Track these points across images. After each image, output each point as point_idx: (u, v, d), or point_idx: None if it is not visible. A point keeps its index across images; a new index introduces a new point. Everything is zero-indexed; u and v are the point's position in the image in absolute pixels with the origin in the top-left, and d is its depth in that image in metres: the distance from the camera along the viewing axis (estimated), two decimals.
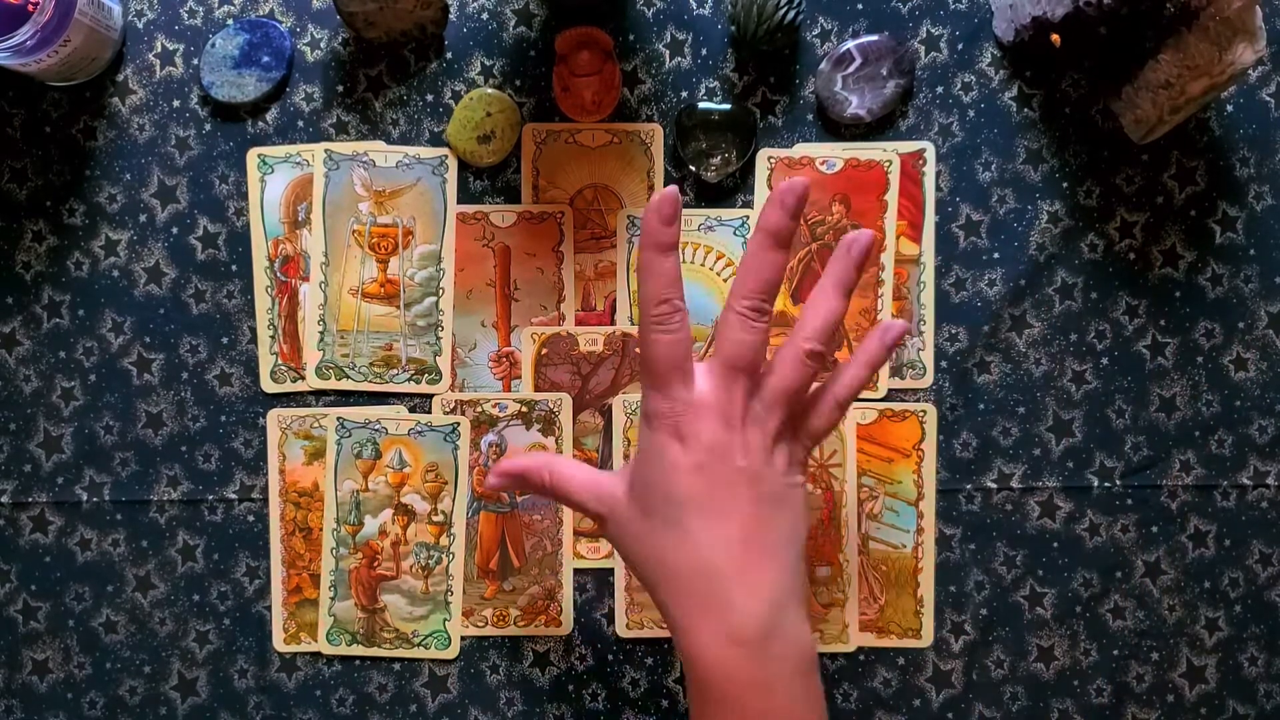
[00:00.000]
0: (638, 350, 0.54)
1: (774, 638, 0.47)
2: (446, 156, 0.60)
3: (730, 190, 0.61)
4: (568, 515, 0.61)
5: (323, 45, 0.60)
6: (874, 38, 0.60)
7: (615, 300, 0.61)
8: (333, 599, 0.60)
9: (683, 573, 0.48)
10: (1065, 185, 0.60)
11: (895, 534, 0.61)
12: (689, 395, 0.49)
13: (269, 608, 0.61)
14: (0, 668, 0.61)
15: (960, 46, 0.60)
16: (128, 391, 0.61)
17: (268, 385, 0.60)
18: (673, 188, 0.48)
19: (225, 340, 0.61)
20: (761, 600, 0.47)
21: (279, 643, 0.61)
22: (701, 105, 0.60)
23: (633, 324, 0.61)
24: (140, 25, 0.60)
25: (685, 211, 0.60)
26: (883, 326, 0.53)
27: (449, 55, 0.60)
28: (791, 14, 0.58)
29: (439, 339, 0.61)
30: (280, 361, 0.61)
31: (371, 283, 0.61)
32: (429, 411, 0.61)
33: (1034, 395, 0.61)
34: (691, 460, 0.48)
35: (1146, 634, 0.61)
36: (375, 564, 0.60)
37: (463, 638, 0.61)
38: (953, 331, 0.60)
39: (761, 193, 0.60)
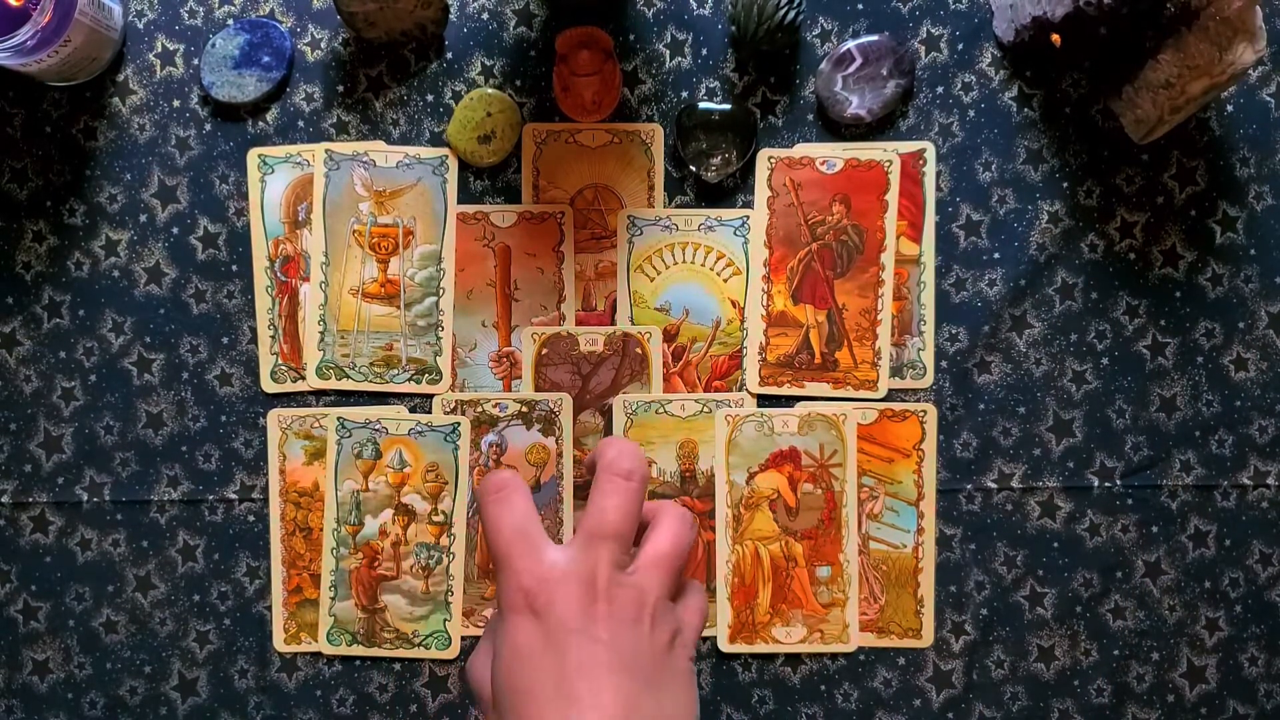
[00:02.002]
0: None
1: None
2: (447, 156, 0.60)
3: (730, 190, 0.61)
4: (568, 516, 0.61)
5: (323, 45, 0.60)
6: (874, 38, 0.60)
7: (615, 300, 0.61)
8: (333, 599, 0.60)
9: None
10: (1065, 185, 0.60)
11: (895, 534, 0.61)
12: (538, 566, 0.43)
13: (269, 608, 0.61)
14: (0, 668, 0.61)
15: (960, 46, 0.60)
16: (128, 391, 0.61)
17: (268, 385, 0.60)
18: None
19: (225, 340, 0.61)
20: None
21: (279, 643, 0.61)
22: (702, 105, 0.60)
23: (633, 324, 0.61)
24: (140, 25, 0.60)
25: (686, 211, 0.60)
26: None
27: (449, 55, 0.60)
28: (792, 14, 0.58)
29: (439, 339, 0.61)
30: (280, 361, 0.61)
31: (372, 283, 0.61)
32: (429, 411, 0.61)
33: (1034, 395, 0.61)
34: (540, 640, 0.42)
35: (1147, 634, 0.61)
36: (376, 564, 0.60)
37: (463, 638, 0.61)
38: (953, 331, 0.60)
39: (762, 193, 0.60)
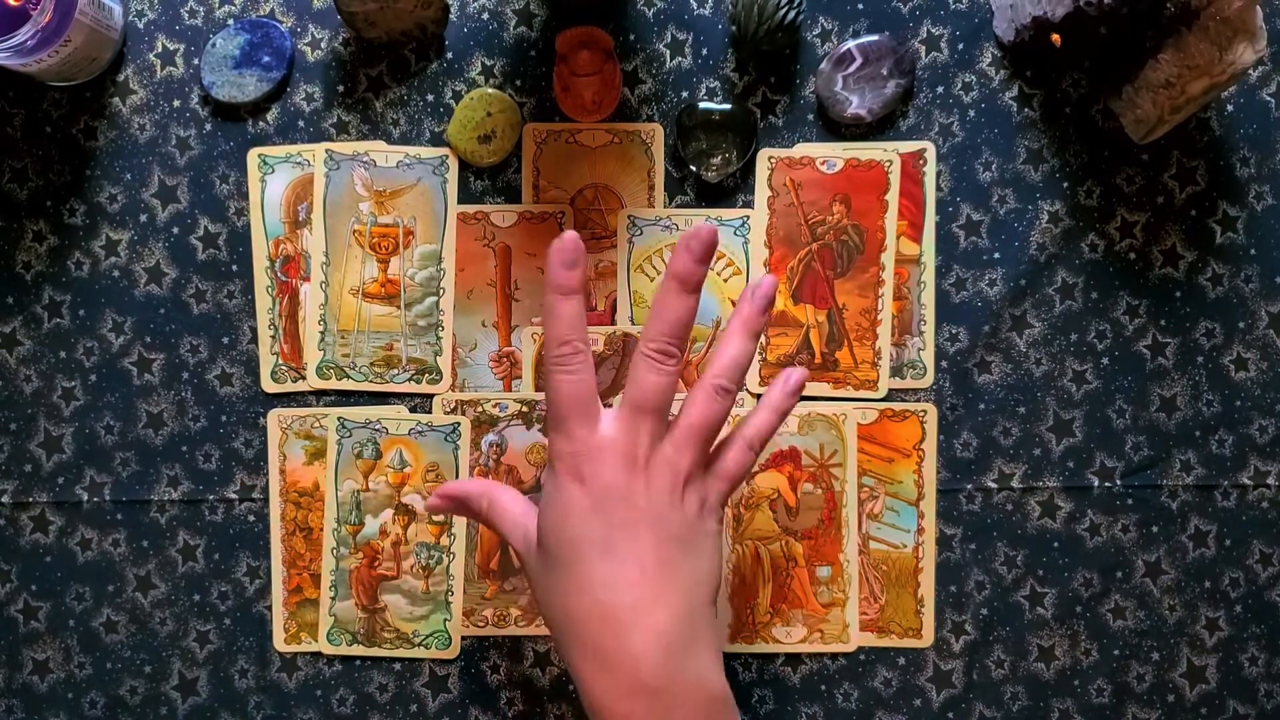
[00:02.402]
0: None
1: (676, 685, 0.46)
2: (447, 156, 0.60)
3: (730, 190, 0.61)
4: None
5: (323, 45, 0.60)
6: (874, 38, 0.60)
7: (615, 300, 0.61)
8: (333, 599, 0.60)
9: (581, 619, 0.47)
10: (1065, 185, 0.60)
11: (896, 534, 0.61)
12: (591, 436, 0.48)
13: (269, 608, 0.61)
14: (0, 668, 0.61)
15: (960, 46, 0.60)
16: (128, 391, 0.61)
17: (268, 385, 0.60)
18: (572, 232, 0.49)
19: (226, 340, 0.61)
20: (661, 648, 0.46)
21: (279, 643, 0.61)
22: (702, 105, 0.60)
23: (634, 324, 0.61)
24: (141, 25, 0.60)
25: (686, 211, 0.60)
26: (784, 374, 0.53)
27: (449, 55, 0.60)
28: (792, 14, 0.58)
29: (439, 339, 0.61)
30: (281, 361, 0.61)
31: (372, 283, 0.61)
32: (429, 411, 0.61)
33: (1034, 395, 0.61)
34: (589, 501, 0.48)
35: (1147, 634, 0.61)
36: (376, 564, 0.60)
37: (463, 638, 0.61)
38: (953, 331, 0.60)
39: (762, 192, 0.60)
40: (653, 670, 0.46)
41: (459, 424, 0.60)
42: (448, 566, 0.61)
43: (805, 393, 0.60)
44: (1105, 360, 0.61)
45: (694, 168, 0.60)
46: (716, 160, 0.60)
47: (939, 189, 0.60)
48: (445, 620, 0.60)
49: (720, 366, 0.50)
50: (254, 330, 0.61)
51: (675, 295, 0.49)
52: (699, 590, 0.48)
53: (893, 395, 0.61)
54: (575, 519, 0.48)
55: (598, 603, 0.47)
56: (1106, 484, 0.61)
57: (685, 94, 0.60)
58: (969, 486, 0.61)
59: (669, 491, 0.48)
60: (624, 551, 0.47)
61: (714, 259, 0.60)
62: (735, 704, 0.49)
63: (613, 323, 0.61)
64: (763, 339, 0.60)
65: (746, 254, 0.60)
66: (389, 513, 0.61)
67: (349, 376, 0.61)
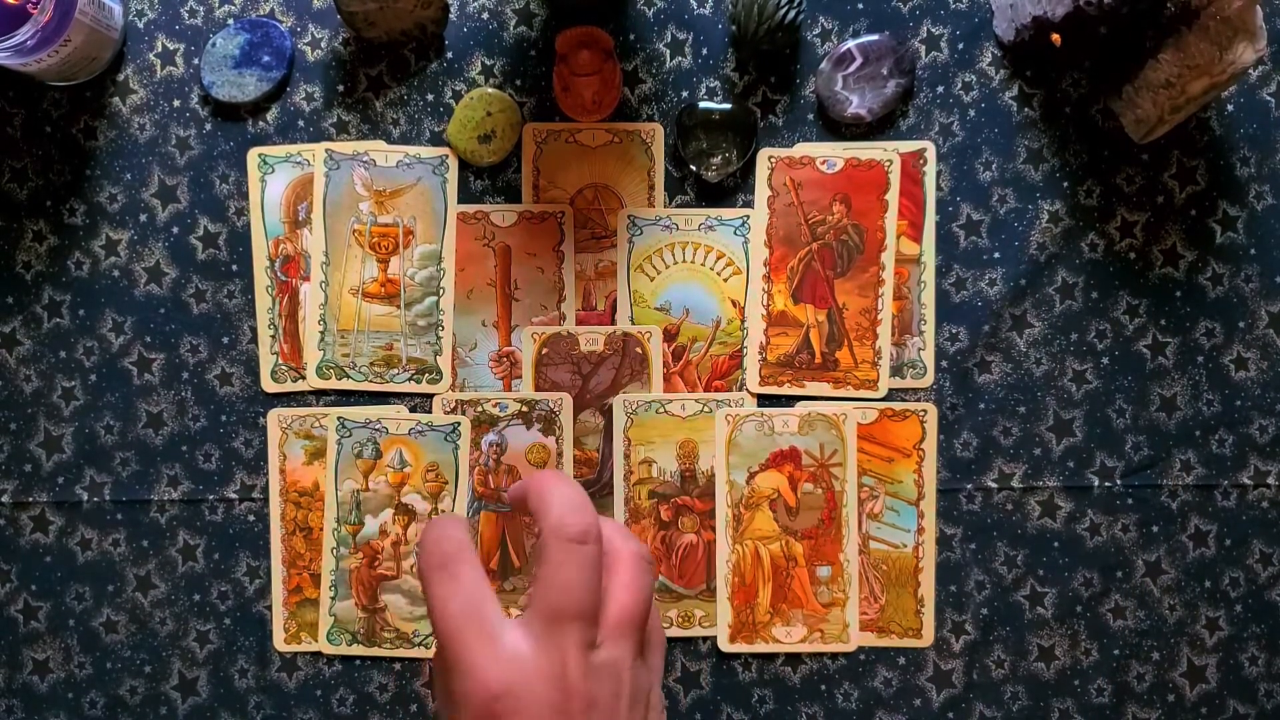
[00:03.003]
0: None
1: None
2: (447, 156, 0.60)
3: (730, 190, 0.61)
4: None
5: (323, 45, 0.60)
6: (874, 37, 0.60)
7: (615, 300, 0.61)
8: (333, 599, 0.60)
9: None
10: (1066, 185, 0.60)
11: (896, 534, 0.61)
12: (498, 664, 0.37)
13: (269, 607, 0.61)
14: (0, 667, 0.61)
15: (960, 46, 0.60)
16: (128, 391, 0.60)
17: (268, 385, 0.60)
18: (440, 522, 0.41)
19: (226, 340, 0.61)
20: None
21: (279, 642, 0.61)
22: (702, 105, 0.60)
23: (634, 324, 0.61)
24: (140, 25, 0.60)
25: (686, 211, 0.60)
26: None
27: (449, 55, 0.60)
28: (792, 14, 0.58)
29: (439, 339, 0.61)
30: (281, 361, 0.61)
31: (372, 282, 0.61)
32: (429, 411, 0.61)
33: (1034, 395, 0.61)
34: None
35: (1147, 634, 0.61)
36: (376, 564, 0.60)
37: None
38: (953, 331, 0.60)
39: (762, 192, 0.60)
40: None
41: (459, 424, 0.60)
42: None
43: (806, 392, 0.61)
44: (1105, 360, 0.61)
45: (694, 167, 0.60)
46: (716, 160, 0.60)
47: (939, 189, 0.60)
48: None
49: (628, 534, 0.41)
50: (254, 330, 0.60)
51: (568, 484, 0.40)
52: None
53: (893, 395, 0.61)
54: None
55: None
56: (1106, 484, 0.61)
57: (685, 94, 0.60)
58: (969, 486, 0.61)
59: (609, 714, 0.37)
60: None
61: (715, 259, 0.60)
62: None
63: (613, 322, 0.61)
64: (763, 339, 0.60)
65: (746, 254, 0.60)
66: (389, 512, 0.61)
67: (349, 376, 0.61)
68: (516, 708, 0.36)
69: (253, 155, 0.60)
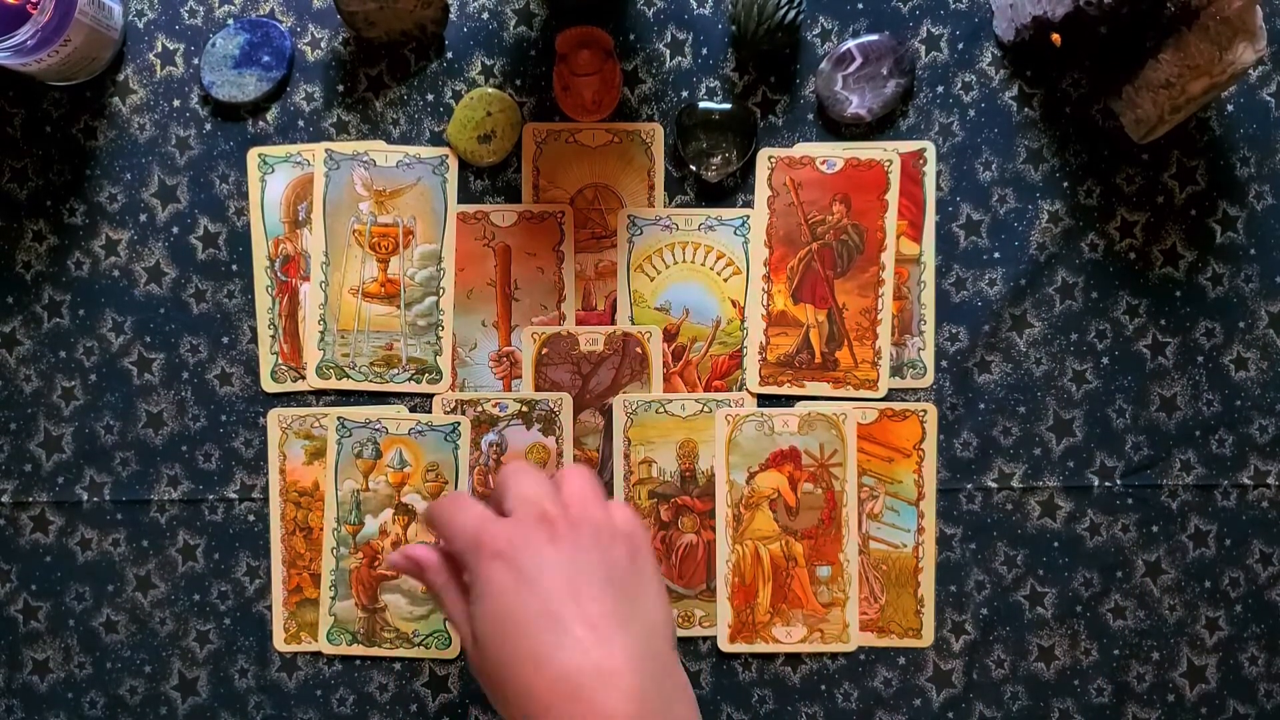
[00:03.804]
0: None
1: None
2: (447, 156, 0.60)
3: (730, 190, 0.61)
4: None
5: (323, 45, 0.60)
6: (874, 37, 0.60)
7: (615, 300, 0.61)
8: (333, 599, 0.60)
9: (545, 701, 0.44)
10: (1065, 185, 0.60)
11: (896, 534, 0.61)
12: (497, 524, 0.46)
13: (269, 607, 0.61)
14: (0, 667, 0.61)
15: (960, 46, 0.60)
16: (128, 391, 0.60)
17: (268, 385, 0.60)
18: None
19: (225, 340, 0.61)
20: (635, 704, 0.43)
21: (279, 642, 0.61)
22: (702, 105, 0.60)
23: (633, 324, 0.61)
24: (140, 25, 0.60)
25: (686, 211, 0.60)
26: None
27: (449, 55, 0.60)
28: (792, 14, 0.58)
29: (439, 338, 0.61)
30: (281, 361, 0.61)
31: (372, 282, 0.61)
32: (429, 411, 0.61)
33: (1034, 395, 0.61)
34: (515, 576, 0.45)
35: (1147, 634, 0.61)
36: (376, 563, 0.60)
37: None
38: (953, 331, 0.60)
39: (762, 192, 0.60)
40: None
41: (459, 424, 0.60)
42: None
43: (806, 392, 0.61)
44: (1105, 360, 0.61)
45: (694, 167, 0.60)
46: (716, 160, 0.60)
47: (939, 189, 0.60)
48: (445, 620, 0.60)
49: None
50: (254, 330, 0.60)
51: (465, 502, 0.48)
52: (655, 638, 0.46)
53: (893, 395, 0.61)
54: (510, 599, 0.45)
55: (557, 677, 0.43)
56: (1106, 484, 0.61)
57: (685, 94, 0.60)
58: (969, 486, 0.61)
59: (592, 542, 0.46)
60: (568, 615, 0.44)
61: (715, 258, 0.60)
62: None
63: (613, 322, 0.61)
64: (762, 339, 0.60)
65: (746, 254, 0.60)
66: (389, 512, 0.61)
67: (349, 376, 0.61)
68: (514, 535, 0.46)
69: (253, 155, 0.60)
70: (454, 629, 0.50)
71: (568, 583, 0.45)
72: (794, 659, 0.61)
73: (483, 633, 0.45)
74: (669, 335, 0.61)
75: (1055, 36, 0.56)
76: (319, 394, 0.61)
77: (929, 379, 0.60)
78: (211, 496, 0.61)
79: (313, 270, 0.60)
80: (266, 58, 0.60)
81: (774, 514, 0.60)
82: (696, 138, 0.60)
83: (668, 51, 0.60)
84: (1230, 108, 0.60)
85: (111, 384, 0.60)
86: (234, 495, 0.61)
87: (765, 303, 0.60)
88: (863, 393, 0.61)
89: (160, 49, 0.60)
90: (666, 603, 0.48)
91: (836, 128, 0.60)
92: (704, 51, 0.60)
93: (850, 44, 0.59)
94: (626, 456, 0.61)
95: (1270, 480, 0.60)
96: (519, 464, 0.50)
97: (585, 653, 0.43)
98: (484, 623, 0.45)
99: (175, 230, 0.60)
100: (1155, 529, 0.61)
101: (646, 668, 0.44)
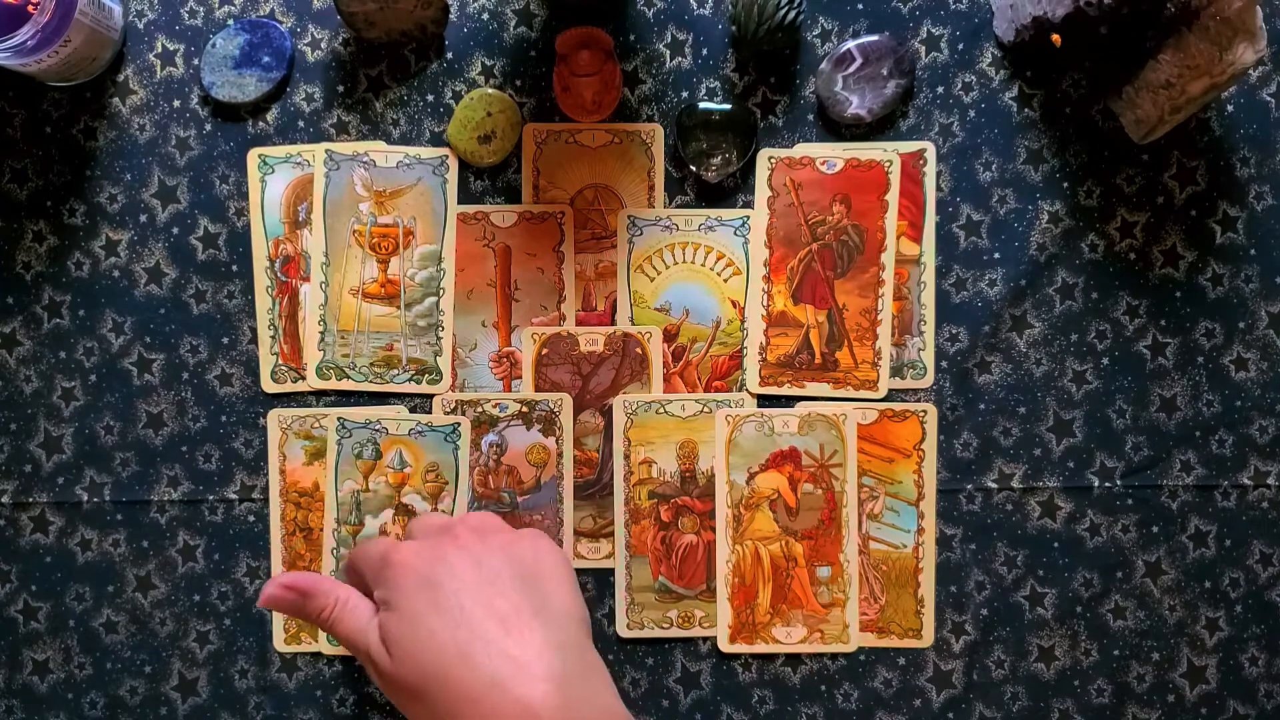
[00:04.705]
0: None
1: None
2: (447, 156, 0.60)
3: (730, 190, 0.61)
4: (568, 516, 0.61)
5: (323, 45, 0.60)
6: (874, 38, 0.60)
7: (615, 300, 0.61)
8: None
9: (467, 696, 0.46)
10: (1066, 185, 0.60)
11: (896, 534, 0.61)
12: (399, 542, 0.51)
13: None
14: (0, 668, 0.61)
15: (960, 46, 0.60)
16: (128, 391, 0.60)
17: (268, 385, 0.60)
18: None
19: (225, 340, 0.61)
20: (556, 689, 0.45)
21: (279, 643, 0.61)
22: (702, 105, 0.60)
23: (633, 324, 0.61)
24: (140, 25, 0.60)
25: (686, 211, 0.60)
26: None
27: (449, 55, 0.60)
28: (792, 14, 0.58)
29: (439, 339, 0.61)
30: (281, 362, 0.61)
31: (372, 283, 0.61)
32: (429, 411, 0.61)
33: (1034, 395, 0.61)
34: (421, 581, 0.49)
35: (1147, 634, 0.61)
36: None
37: None
38: (953, 331, 0.60)
39: (762, 193, 0.60)
40: (555, 715, 0.45)
41: (459, 424, 0.60)
42: None
43: (806, 393, 0.61)
44: (1105, 360, 0.61)
45: (694, 168, 0.60)
46: (716, 160, 0.60)
47: (939, 189, 0.60)
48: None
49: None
50: (254, 330, 0.60)
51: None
52: (569, 624, 0.49)
53: (893, 395, 0.61)
54: (420, 603, 0.48)
55: (474, 672, 0.46)
56: (1106, 484, 0.61)
57: (685, 94, 0.60)
58: (969, 486, 0.61)
59: (497, 540, 0.50)
60: (479, 613, 0.47)
61: (715, 259, 0.60)
62: None
63: (613, 323, 0.61)
64: (762, 339, 0.60)
65: (746, 254, 0.60)
66: (389, 513, 0.61)
67: (349, 377, 0.61)
68: (420, 544, 0.51)
69: (253, 156, 0.60)
70: (351, 648, 0.51)
71: (475, 583, 0.48)
72: (794, 659, 0.61)
73: (395, 638, 0.48)
74: (669, 336, 0.61)
75: (1055, 37, 0.56)
76: (319, 394, 0.61)
77: (929, 379, 0.60)
78: (211, 497, 0.61)
79: (313, 271, 0.60)
80: (266, 58, 0.60)
81: (774, 514, 0.60)
82: (696, 138, 0.60)
83: (668, 52, 0.60)
84: (1230, 108, 0.60)
85: (111, 384, 0.61)
86: (234, 496, 0.61)
87: (765, 303, 0.60)
88: (863, 393, 0.61)
89: (160, 49, 0.60)
90: (578, 595, 0.51)
91: (836, 128, 0.60)
92: (704, 52, 0.60)
93: (850, 44, 0.59)
94: (626, 457, 0.61)
95: (1270, 481, 0.60)
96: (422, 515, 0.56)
97: (499, 646, 0.46)
98: (396, 628, 0.48)
99: (175, 231, 0.60)
100: (1155, 529, 0.61)
101: (564, 655, 0.46)
